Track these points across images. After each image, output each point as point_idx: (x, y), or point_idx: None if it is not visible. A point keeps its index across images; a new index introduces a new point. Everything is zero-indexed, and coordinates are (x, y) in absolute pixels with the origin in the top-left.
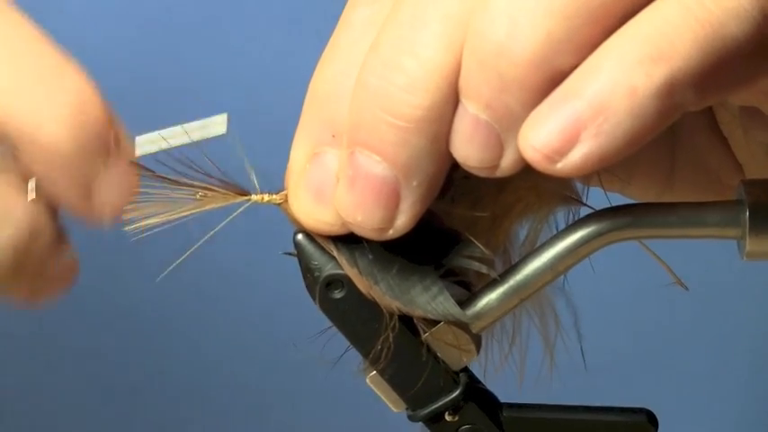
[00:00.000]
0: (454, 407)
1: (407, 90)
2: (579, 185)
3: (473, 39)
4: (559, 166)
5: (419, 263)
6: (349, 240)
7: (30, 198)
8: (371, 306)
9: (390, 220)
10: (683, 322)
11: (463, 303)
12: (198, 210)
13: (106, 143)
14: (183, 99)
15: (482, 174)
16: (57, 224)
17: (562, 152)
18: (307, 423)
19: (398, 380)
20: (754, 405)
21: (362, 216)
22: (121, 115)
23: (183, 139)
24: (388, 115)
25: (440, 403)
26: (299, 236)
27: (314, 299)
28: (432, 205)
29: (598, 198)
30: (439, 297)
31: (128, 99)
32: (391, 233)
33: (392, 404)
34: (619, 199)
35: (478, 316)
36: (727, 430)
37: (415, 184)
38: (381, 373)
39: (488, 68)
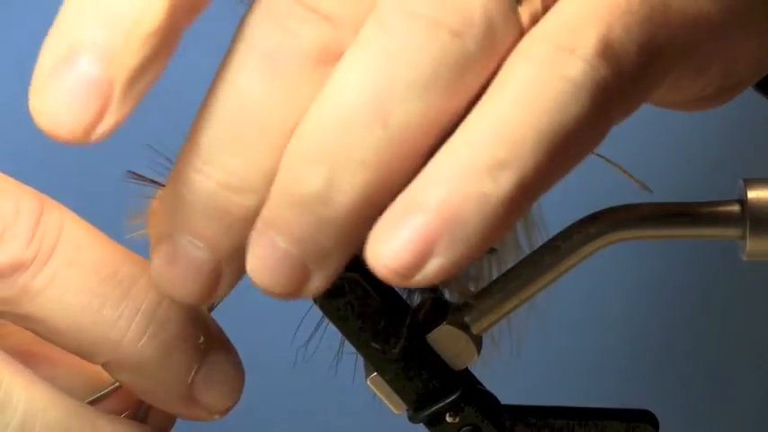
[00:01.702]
0: (455, 408)
1: (230, 188)
2: None
3: (286, 181)
4: (417, 279)
5: None
6: None
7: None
8: (372, 307)
9: (209, 295)
10: (684, 323)
11: (465, 304)
12: None
13: (194, 343)
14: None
15: (280, 298)
16: None
17: (418, 266)
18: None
19: (399, 381)
20: (755, 407)
21: (182, 293)
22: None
23: None
24: (212, 210)
25: (440, 404)
26: None
27: (314, 300)
28: None
29: (599, 198)
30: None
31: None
32: (208, 305)
33: (393, 405)
34: (619, 198)
35: (480, 317)
36: None
37: (233, 266)
38: (382, 374)
39: (305, 212)
